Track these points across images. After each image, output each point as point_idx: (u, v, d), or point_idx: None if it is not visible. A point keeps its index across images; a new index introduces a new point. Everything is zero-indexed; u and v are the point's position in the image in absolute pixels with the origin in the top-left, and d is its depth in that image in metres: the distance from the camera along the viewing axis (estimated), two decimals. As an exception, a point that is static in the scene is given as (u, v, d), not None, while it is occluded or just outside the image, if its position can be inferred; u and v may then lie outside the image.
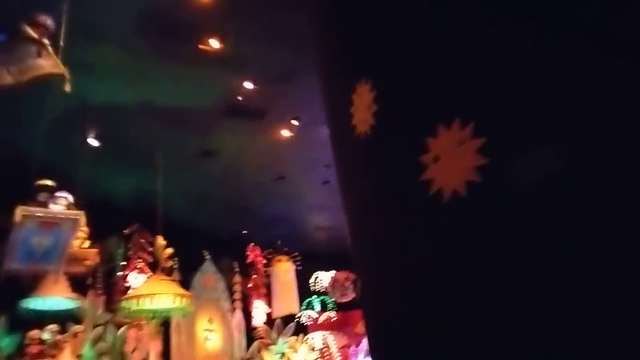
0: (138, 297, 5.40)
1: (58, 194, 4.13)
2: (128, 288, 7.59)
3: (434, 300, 1.54)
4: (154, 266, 7.42)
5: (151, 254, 7.61)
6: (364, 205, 2.13)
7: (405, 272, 1.70)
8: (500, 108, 1.41)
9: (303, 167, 9.05)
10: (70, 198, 4.23)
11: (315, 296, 12.22)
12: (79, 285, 6.99)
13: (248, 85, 6.43)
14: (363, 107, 2.12)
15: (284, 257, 10.10)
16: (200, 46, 5.60)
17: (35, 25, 3.29)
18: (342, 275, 12.29)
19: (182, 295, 5.66)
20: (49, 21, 3.39)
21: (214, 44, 5.60)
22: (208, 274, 9.42)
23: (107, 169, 7.64)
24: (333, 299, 11.96)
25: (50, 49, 3.38)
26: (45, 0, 4.20)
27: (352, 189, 2.39)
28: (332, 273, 12.89)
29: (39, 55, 3.25)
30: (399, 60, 1.79)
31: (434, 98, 1.60)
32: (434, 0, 1.63)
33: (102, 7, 4.98)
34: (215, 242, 9.76)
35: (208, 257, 9.52)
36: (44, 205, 3.95)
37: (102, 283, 7.53)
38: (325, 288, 12.11)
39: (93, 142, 6.85)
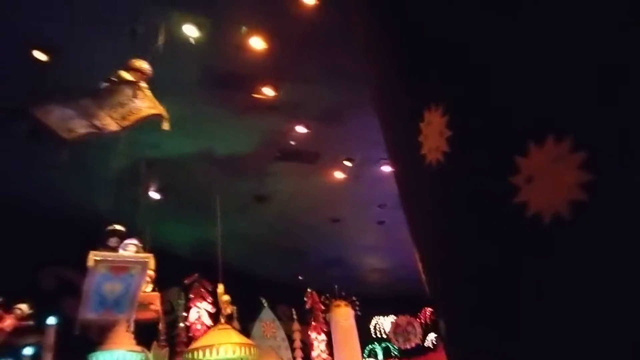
0: (202, 348, 5.35)
1: (127, 240, 4.24)
2: (191, 339, 7.58)
3: (545, 340, 1.36)
4: (215, 315, 7.42)
5: (212, 303, 7.62)
6: (442, 238, 1.99)
7: (506, 306, 1.53)
8: (603, 118, 1.28)
9: (357, 208, 8.95)
10: (139, 244, 4.32)
11: (377, 343, 11.76)
12: (142, 337, 7.05)
13: (300, 129, 6.52)
14: (434, 135, 2.02)
15: (342, 302, 9.85)
16: (255, 95, 5.75)
17: (132, 70, 3.44)
18: (404, 319, 11.82)
19: (245, 345, 5.56)
20: (145, 65, 3.51)
21: (268, 92, 5.75)
22: (267, 321, 9.30)
23: (166, 219, 7.85)
24: (396, 346, 11.47)
25: (147, 91, 3.50)
26: (111, 60, 4.50)
27: (426, 223, 2.26)
28: (392, 318, 12.43)
29: (135, 97, 3.41)
30: (475, 78, 1.69)
31: (520, 115, 1.49)
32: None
33: (167, 63, 5.22)
34: (271, 287, 9.69)
35: (266, 304, 9.42)
36: (114, 250, 4.05)
37: (165, 334, 7.56)
38: (387, 334, 11.67)
39: (154, 194, 7.09)
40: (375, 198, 8.63)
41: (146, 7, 4.65)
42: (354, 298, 9.98)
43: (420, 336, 11.83)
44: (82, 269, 7.33)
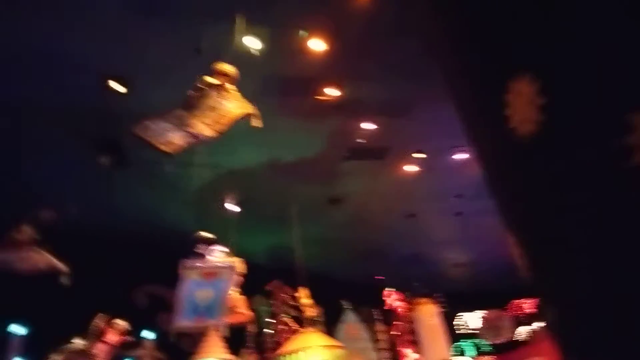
0: (290, 352, 5.39)
1: (214, 247, 4.37)
2: (278, 345, 7.68)
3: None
4: (299, 320, 7.47)
5: (295, 307, 7.69)
6: (546, 217, 1.83)
7: (632, 291, 1.36)
8: None
9: (432, 201, 8.70)
10: (226, 251, 4.44)
11: (465, 340, 11.32)
12: (230, 345, 7.25)
13: (367, 125, 6.44)
14: (523, 105, 1.88)
15: (425, 300, 9.57)
16: (319, 97, 5.76)
17: (217, 74, 3.53)
18: (494, 314, 11.30)
19: (333, 347, 5.54)
20: (229, 67, 3.55)
21: (332, 92, 5.73)
22: (350, 324, 9.23)
23: (244, 229, 8.05)
24: (487, 342, 10.97)
25: (234, 92, 3.58)
26: (182, 83, 4.69)
27: (522, 203, 2.10)
28: (479, 313, 11.93)
29: (223, 99, 3.51)
30: (569, 33, 1.54)
31: (633, 66, 1.33)
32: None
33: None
34: (352, 289, 9.62)
35: (348, 306, 9.37)
36: (203, 257, 4.19)
37: (252, 341, 7.71)
38: (476, 330, 11.21)
39: (233, 207, 7.29)
40: (451, 189, 8.34)
41: (208, 26, 4.81)
42: (437, 295, 9.66)
43: (512, 330, 11.25)
44: (171, 284, 7.75)
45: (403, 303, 9.49)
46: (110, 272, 7.13)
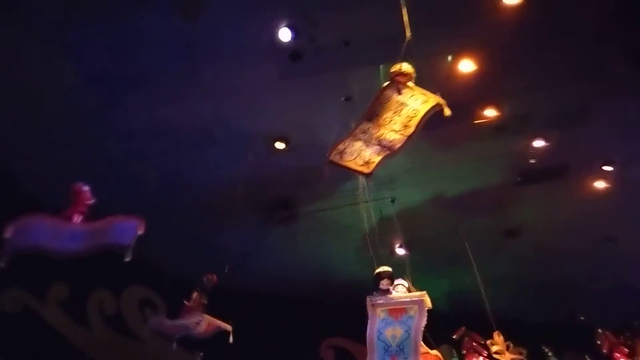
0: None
1: (397, 281, 4.16)
2: (473, 398, 6.95)
3: None
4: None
5: (487, 356, 6.92)
6: None
7: None
8: None
9: (634, 219, 7.30)
10: (406, 283, 4.18)
11: None
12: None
13: (538, 143, 5.78)
14: None
15: (656, 342, 7.82)
16: (477, 121, 5.39)
17: (394, 77, 3.29)
18: None
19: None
20: (406, 66, 3.28)
21: (490, 113, 5.32)
22: (558, 373, 7.97)
23: (417, 274, 7.70)
24: None
25: (415, 87, 3.29)
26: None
27: None
28: None
29: (405, 98, 3.30)
30: None
31: None
32: None
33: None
34: (549, 331, 8.38)
35: (550, 353, 8.14)
36: (387, 292, 4.00)
37: (447, 396, 7.09)
38: None
39: (400, 250, 7.06)
40: (655, 201, 6.93)
41: (354, 71, 4.91)
42: (668, 334, 7.85)
43: None
44: (354, 337, 7.65)
45: (622, 347, 7.88)
46: (289, 327, 7.34)
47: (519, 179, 6.24)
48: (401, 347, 3.88)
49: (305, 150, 5.54)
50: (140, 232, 3.93)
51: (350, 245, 7.02)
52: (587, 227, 7.39)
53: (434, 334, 8.40)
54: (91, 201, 4.09)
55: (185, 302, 4.86)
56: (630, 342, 8.01)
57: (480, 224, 6.95)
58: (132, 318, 5.62)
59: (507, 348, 5.75)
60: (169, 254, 6.90)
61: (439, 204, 6.49)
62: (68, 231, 3.99)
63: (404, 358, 3.94)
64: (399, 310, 3.79)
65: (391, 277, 4.06)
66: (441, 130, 5.55)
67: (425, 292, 3.89)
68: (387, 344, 3.89)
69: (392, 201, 5.54)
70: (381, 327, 3.83)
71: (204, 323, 4.83)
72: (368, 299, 3.79)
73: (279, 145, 5.56)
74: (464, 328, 7.61)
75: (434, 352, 4.72)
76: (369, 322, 3.81)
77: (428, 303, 3.80)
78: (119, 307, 5.67)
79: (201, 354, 6.15)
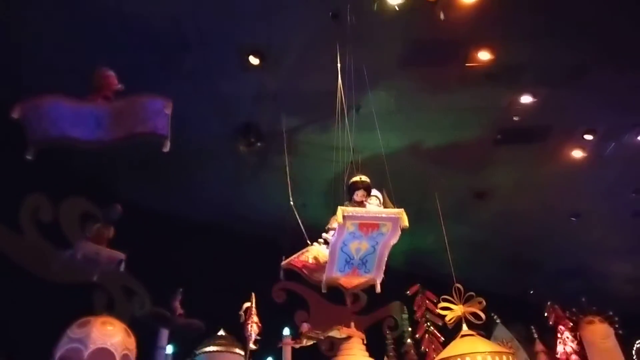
0: (460, 357, 4.59)
1: (374, 193, 3.87)
2: (422, 355, 6.90)
3: None
4: (444, 329, 6.62)
5: (440, 316, 6.83)
6: None
7: None
8: None
9: (602, 197, 7.25)
10: (380, 196, 3.90)
11: (649, 372, 9.26)
12: (370, 352, 6.64)
13: (526, 99, 5.52)
14: None
15: (596, 318, 7.97)
16: (469, 64, 5.05)
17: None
18: (686, 341, 9.11)
19: (505, 354, 4.62)
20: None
21: (483, 56, 4.99)
22: (502, 340, 8.01)
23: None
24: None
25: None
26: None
27: None
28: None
29: None
30: None
31: None
32: None
33: (367, 48, 4.94)
34: (500, 302, 8.39)
35: (498, 320, 8.18)
36: (361, 205, 3.70)
37: (394, 350, 7.01)
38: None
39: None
40: (629, 181, 6.89)
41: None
42: (610, 313, 8.00)
43: None
44: (307, 282, 7.40)
45: (569, 321, 8.00)
46: (243, 265, 7.02)
47: (498, 136, 6.00)
48: (364, 260, 3.66)
49: (282, 70, 5.07)
50: (168, 112, 3.45)
51: (319, 187, 6.66)
52: (556, 199, 7.31)
53: (388, 290, 8.31)
54: (118, 86, 3.56)
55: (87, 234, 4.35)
56: (575, 317, 8.17)
57: (452, 182, 6.73)
58: (70, 229, 5.11)
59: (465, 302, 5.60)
60: (125, 177, 6.40)
61: (415, 154, 6.20)
62: (92, 115, 3.46)
63: (366, 271, 3.72)
64: (370, 226, 3.51)
65: (368, 189, 3.75)
66: (431, 70, 5.22)
67: (402, 209, 3.58)
68: (349, 256, 3.65)
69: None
70: (347, 239, 3.56)
71: (103, 255, 4.32)
72: (340, 209, 3.46)
73: (254, 60, 5.01)
74: (418, 286, 7.52)
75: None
76: (336, 232, 3.51)
77: (404, 221, 3.51)
78: (57, 216, 5.13)
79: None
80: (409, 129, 5.91)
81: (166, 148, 3.50)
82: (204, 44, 4.77)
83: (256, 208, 7.08)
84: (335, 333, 5.90)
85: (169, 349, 5.61)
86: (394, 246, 6.35)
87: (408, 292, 7.51)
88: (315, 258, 4.32)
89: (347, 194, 3.70)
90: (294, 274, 5.20)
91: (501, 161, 6.48)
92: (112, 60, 3.73)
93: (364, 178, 3.74)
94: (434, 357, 5.54)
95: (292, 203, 4.77)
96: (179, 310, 6.00)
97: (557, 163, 6.52)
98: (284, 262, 4.46)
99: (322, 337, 6.06)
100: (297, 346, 6.43)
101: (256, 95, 5.12)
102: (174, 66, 4.83)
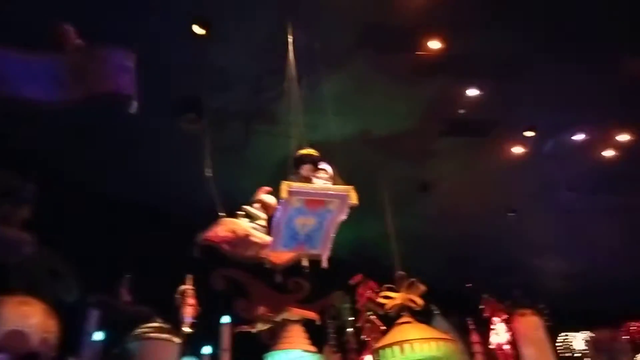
0: (393, 344, 4.57)
1: (323, 165, 3.74)
2: (363, 344, 6.91)
3: None
4: (385, 319, 6.66)
5: (381, 305, 6.87)
6: None
7: None
8: None
9: (539, 193, 7.58)
10: (330, 170, 3.77)
11: (571, 363, 9.80)
12: (311, 340, 6.58)
13: (472, 92, 5.63)
14: None
15: (528, 311, 8.32)
16: (420, 52, 5.07)
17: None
18: (607, 334, 9.70)
19: (447, 340, 4.66)
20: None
21: (434, 45, 5.02)
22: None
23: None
24: (599, 367, 9.43)
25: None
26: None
27: None
28: (585, 334, 10.36)
29: None
30: None
31: None
32: None
33: (321, 30, 4.84)
34: (438, 294, 8.58)
35: (437, 312, 8.35)
36: (308, 180, 3.56)
37: (335, 340, 6.97)
38: (585, 352, 9.68)
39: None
40: (564, 179, 7.21)
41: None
42: (541, 306, 8.38)
43: (629, 356, 9.60)
44: (246, 268, 7.21)
45: (503, 313, 8.29)
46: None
47: (444, 128, 6.08)
48: (310, 236, 3.55)
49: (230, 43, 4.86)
50: (131, 65, 3.11)
51: (263, 172, 6.49)
52: (495, 194, 7.54)
53: (332, 280, 8.27)
54: (77, 42, 3.14)
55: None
56: (508, 310, 8.51)
57: (398, 173, 6.75)
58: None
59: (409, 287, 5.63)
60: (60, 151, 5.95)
61: (364, 141, 6.17)
62: (48, 71, 3.04)
63: (312, 247, 3.62)
64: (317, 202, 3.40)
65: (316, 164, 3.63)
66: (382, 55, 5.19)
67: (352, 187, 3.50)
68: (295, 232, 3.53)
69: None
70: (293, 215, 3.44)
71: (9, 236, 3.99)
72: (285, 183, 3.33)
73: (199, 30, 4.72)
74: (361, 275, 7.54)
75: None
76: (280, 207, 3.39)
77: (353, 199, 3.43)
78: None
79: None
80: (359, 115, 5.87)
81: (132, 109, 3.16)
82: (144, 8, 4.47)
83: (196, 190, 6.80)
84: (287, 315, 5.80)
85: (98, 336, 5.24)
86: (338, 236, 6.28)
87: (351, 281, 7.52)
88: (233, 231, 4.16)
89: (293, 167, 3.56)
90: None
91: (445, 154, 6.59)
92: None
93: (312, 151, 3.60)
94: (374, 346, 5.53)
95: (208, 174, 4.54)
96: (127, 297, 5.69)
97: (498, 158, 6.71)
98: (199, 238, 4.18)
99: (278, 320, 5.95)
100: (255, 330, 6.27)
101: (201, 69, 4.87)
102: (110, 32, 4.50)
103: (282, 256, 4.02)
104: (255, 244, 4.26)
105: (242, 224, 4.26)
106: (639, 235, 8.63)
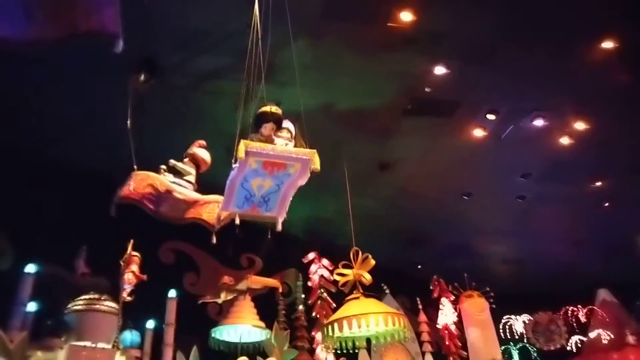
0: (347, 319, 4.45)
1: (286, 124, 3.48)
2: (312, 322, 6.84)
3: None
4: (337, 296, 6.59)
5: (334, 283, 6.79)
6: None
7: None
8: None
9: (494, 178, 7.68)
10: (292, 129, 3.51)
11: (512, 344, 10.23)
12: (261, 317, 6.42)
13: (439, 70, 5.52)
14: None
15: (474, 293, 8.54)
16: (390, 24, 4.88)
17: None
18: (545, 317, 10.19)
19: (396, 315, 4.61)
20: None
21: (405, 17, 4.84)
22: (390, 310, 8.26)
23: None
24: (536, 346, 9.89)
25: None
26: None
27: None
28: (526, 317, 10.84)
29: None
30: None
31: None
32: None
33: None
34: (389, 275, 8.63)
35: (387, 291, 8.42)
36: (269, 140, 3.30)
37: (285, 317, 6.86)
38: (524, 333, 10.14)
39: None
40: (519, 165, 7.34)
41: None
42: (487, 289, 8.61)
43: (565, 337, 10.11)
44: (200, 244, 6.91)
45: (450, 294, 8.46)
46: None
47: (409, 106, 5.97)
48: (266, 198, 3.32)
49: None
50: None
51: (221, 142, 6.16)
52: (452, 177, 7.57)
53: (286, 258, 8.09)
54: None
55: None
56: (456, 292, 8.70)
57: (359, 151, 6.62)
58: None
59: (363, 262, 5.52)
60: None
61: (326, 116, 5.96)
62: (19, 3, 2.58)
63: (267, 209, 3.39)
64: (276, 165, 3.16)
65: (279, 123, 3.36)
66: (352, 26, 4.97)
67: (315, 150, 3.27)
68: (250, 193, 3.29)
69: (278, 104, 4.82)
70: (249, 175, 3.19)
71: None
72: (243, 142, 3.06)
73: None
74: (315, 253, 7.44)
75: None
76: (236, 167, 3.13)
77: (315, 164, 3.21)
78: None
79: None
80: (324, 88, 5.64)
81: (118, 49, 2.72)
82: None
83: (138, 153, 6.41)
84: (249, 283, 5.56)
85: (31, 306, 4.84)
86: (293, 213, 6.05)
87: (304, 259, 7.41)
88: (151, 185, 3.81)
89: (253, 125, 3.28)
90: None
91: (406, 134, 6.50)
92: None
93: (275, 109, 3.32)
94: (324, 322, 5.43)
95: (129, 126, 4.16)
96: (83, 269, 5.33)
97: (459, 140, 6.70)
98: (115, 197, 3.78)
99: (242, 288, 5.69)
100: (220, 301, 5.98)
101: (155, 27, 4.48)
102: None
103: (216, 217, 3.67)
104: (181, 201, 3.93)
105: (161, 178, 3.90)
106: (582, 223, 9.01)
